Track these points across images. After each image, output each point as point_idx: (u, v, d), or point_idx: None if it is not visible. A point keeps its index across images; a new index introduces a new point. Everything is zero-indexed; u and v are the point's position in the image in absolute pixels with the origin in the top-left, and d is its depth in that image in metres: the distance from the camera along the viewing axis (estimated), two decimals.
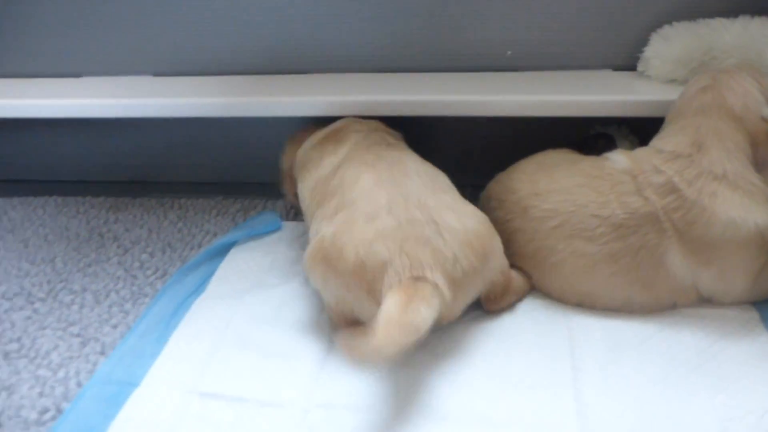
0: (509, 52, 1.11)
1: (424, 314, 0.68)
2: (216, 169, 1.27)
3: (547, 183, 0.88)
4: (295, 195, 1.00)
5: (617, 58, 1.08)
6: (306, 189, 0.93)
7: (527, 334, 0.81)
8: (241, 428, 0.72)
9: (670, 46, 1.00)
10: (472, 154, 1.21)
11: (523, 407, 0.72)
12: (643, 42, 1.04)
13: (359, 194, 0.81)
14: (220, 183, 1.26)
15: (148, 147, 1.28)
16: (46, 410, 0.78)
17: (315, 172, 0.92)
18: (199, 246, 1.08)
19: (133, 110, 1.17)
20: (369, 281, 0.74)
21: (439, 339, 0.80)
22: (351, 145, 0.92)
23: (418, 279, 0.72)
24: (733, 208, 0.78)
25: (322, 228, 0.81)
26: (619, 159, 0.86)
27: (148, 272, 1.02)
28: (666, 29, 1.02)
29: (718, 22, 0.98)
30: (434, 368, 0.77)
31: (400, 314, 0.68)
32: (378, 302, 0.71)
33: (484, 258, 0.79)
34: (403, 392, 0.74)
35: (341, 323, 0.80)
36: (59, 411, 0.77)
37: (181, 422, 0.73)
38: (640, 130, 1.04)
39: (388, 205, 0.78)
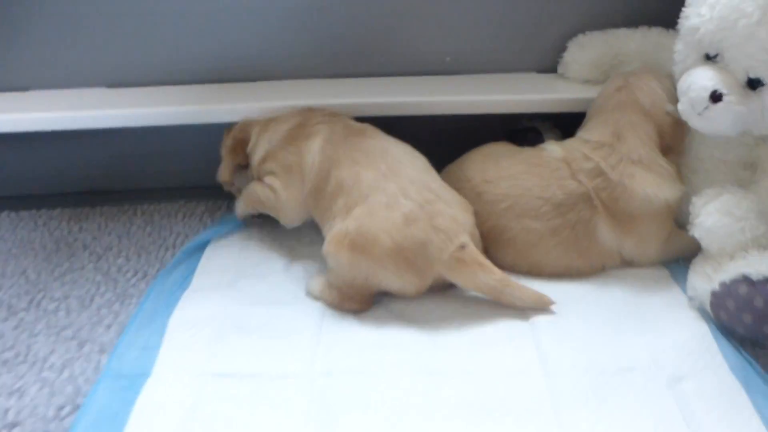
0: (448, 58, 1.25)
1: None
2: (176, 174, 1.32)
3: (496, 171, 1.03)
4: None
5: (540, 63, 1.25)
6: (286, 187, 1.02)
7: (490, 302, 0.95)
8: (257, 400, 0.80)
9: (585, 52, 1.18)
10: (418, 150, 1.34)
11: (495, 359, 0.85)
12: (562, 48, 1.22)
13: (368, 189, 0.92)
14: (181, 188, 1.31)
15: (104, 157, 1.31)
16: (62, 407, 0.82)
17: (297, 172, 1.01)
18: (173, 247, 1.14)
19: (85, 122, 1.20)
20: (410, 260, 0.89)
21: (417, 308, 0.93)
22: (322, 140, 1.00)
23: (463, 246, 0.88)
24: (648, 185, 0.96)
25: (336, 224, 0.92)
26: (554, 149, 1.03)
27: (128, 275, 1.07)
28: (580, 38, 1.19)
29: (623, 32, 1.17)
30: (416, 332, 0.90)
31: (499, 277, 0.90)
32: (422, 275, 0.90)
33: (473, 217, 0.96)
34: (392, 354, 0.86)
35: (356, 297, 0.91)
36: (75, 406, 0.82)
37: (200, 401, 0.80)
38: (562, 123, 1.22)
39: (400, 192, 0.90)
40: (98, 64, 1.23)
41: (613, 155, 0.97)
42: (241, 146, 1.09)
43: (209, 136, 1.26)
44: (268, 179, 1.04)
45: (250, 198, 1.08)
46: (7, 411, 0.82)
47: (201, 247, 1.10)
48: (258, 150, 1.06)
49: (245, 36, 1.20)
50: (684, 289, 0.95)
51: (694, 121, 0.94)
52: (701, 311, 0.91)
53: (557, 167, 0.99)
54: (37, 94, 1.25)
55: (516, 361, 0.85)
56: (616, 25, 1.19)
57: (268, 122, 1.08)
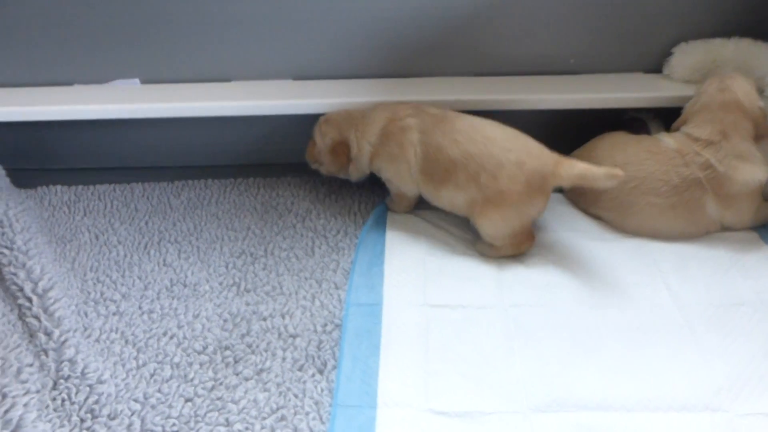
0: (572, 60, 1.53)
1: None
2: None
3: (623, 157, 1.31)
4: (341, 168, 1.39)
5: (647, 64, 1.52)
6: (398, 172, 1.32)
7: (623, 254, 1.26)
8: (467, 324, 1.12)
9: (688, 57, 1.45)
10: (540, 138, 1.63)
11: (638, 296, 1.16)
12: (665, 53, 1.49)
13: (480, 159, 1.22)
14: None
15: (292, 135, 1.58)
16: (325, 325, 1.14)
17: (403, 161, 1.30)
18: (359, 212, 1.43)
19: (273, 109, 1.48)
20: (535, 186, 1.22)
21: (571, 260, 1.24)
22: (418, 131, 1.28)
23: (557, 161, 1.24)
24: (747, 174, 1.24)
25: (468, 195, 1.24)
26: (668, 141, 1.31)
27: (333, 232, 1.37)
28: (683, 45, 1.46)
29: (719, 41, 1.44)
30: (573, 277, 1.20)
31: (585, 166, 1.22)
32: (546, 191, 1.23)
33: None
34: (559, 293, 1.17)
35: (521, 236, 1.25)
36: (335, 325, 1.14)
37: (421, 324, 1.11)
38: (664, 115, 1.50)
39: (501, 150, 1.22)
40: (286, 60, 1.52)
41: (720, 152, 1.25)
42: (343, 150, 1.36)
43: None
44: (382, 175, 1.36)
45: (394, 201, 1.40)
46: (286, 327, 1.14)
47: (382, 214, 1.41)
48: (363, 153, 1.34)
49: (404, 37, 1.48)
50: None
51: None
52: None
53: (673, 156, 1.27)
54: (237, 84, 1.54)
55: (653, 297, 1.16)
56: (713, 35, 1.46)
57: (359, 125, 1.34)
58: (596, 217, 1.36)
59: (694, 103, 1.35)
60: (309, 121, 1.47)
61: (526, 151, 1.23)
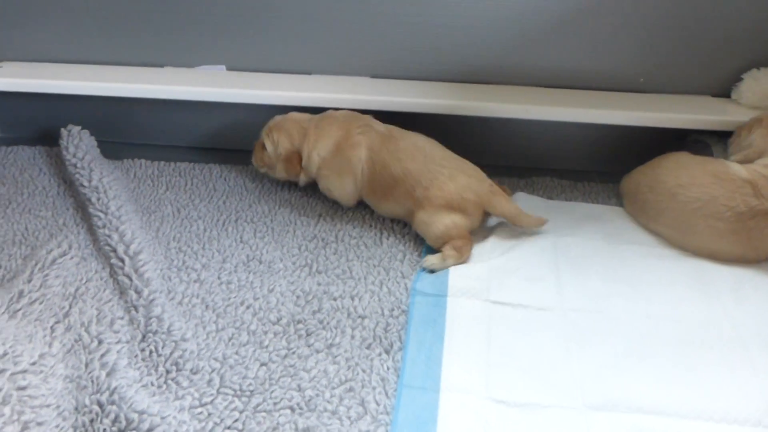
0: (642, 79, 1.57)
1: None
2: None
3: (688, 178, 1.35)
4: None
5: (715, 88, 1.56)
6: (343, 186, 1.42)
7: (681, 270, 1.30)
8: (527, 323, 1.17)
9: (758, 84, 1.48)
10: (604, 153, 1.68)
11: (694, 312, 1.20)
12: (733, 78, 1.52)
13: (419, 174, 1.32)
14: None
15: None
16: (392, 309, 1.21)
17: (349, 176, 1.40)
18: None
19: (349, 103, 1.56)
20: (473, 201, 1.32)
21: (627, 270, 1.28)
22: (366, 149, 1.38)
23: (491, 185, 1.37)
24: None
25: (409, 204, 1.35)
26: (738, 169, 1.33)
27: (401, 224, 1.44)
28: (754, 71, 1.49)
29: None
30: (629, 288, 1.25)
31: (515, 207, 1.35)
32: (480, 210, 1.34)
33: None
34: (616, 301, 1.22)
35: (462, 240, 1.31)
36: (401, 311, 1.21)
37: (483, 319, 1.17)
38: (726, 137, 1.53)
39: (444, 167, 1.33)
40: (365, 58, 1.60)
41: None
42: (298, 160, 1.45)
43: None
44: (324, 182, 1.45)
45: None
46: (355, 308, 1.22)
47: None
48: (312, 163, 1.43)
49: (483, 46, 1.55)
50: None
51: None
52: None
53: (742, 185, 1.29)
54: (317, 77, 1.63)
55: (708, 313, 1.20)
56: None
57: (310, 135, 1.43)
58: (656, 234, 1.40)
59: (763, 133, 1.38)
60: (383, 117, 1.54)
61: (460, 169, 1.34)
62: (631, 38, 1.50)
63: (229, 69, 1.65)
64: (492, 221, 1.43)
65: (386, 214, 1.44)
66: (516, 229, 1.38)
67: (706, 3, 1.44)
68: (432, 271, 1.29)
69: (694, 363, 1.10)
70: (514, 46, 1.53)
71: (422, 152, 1.35)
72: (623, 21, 1.48)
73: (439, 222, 1.30)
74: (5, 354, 1.02)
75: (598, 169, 1.67)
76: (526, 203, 1.45)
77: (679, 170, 1.38)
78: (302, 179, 1.50)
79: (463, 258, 1.30)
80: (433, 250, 1.35)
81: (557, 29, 1.50)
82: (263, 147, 1.50)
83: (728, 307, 1.21)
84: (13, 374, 1.00)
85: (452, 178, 1.31)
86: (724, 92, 1.56)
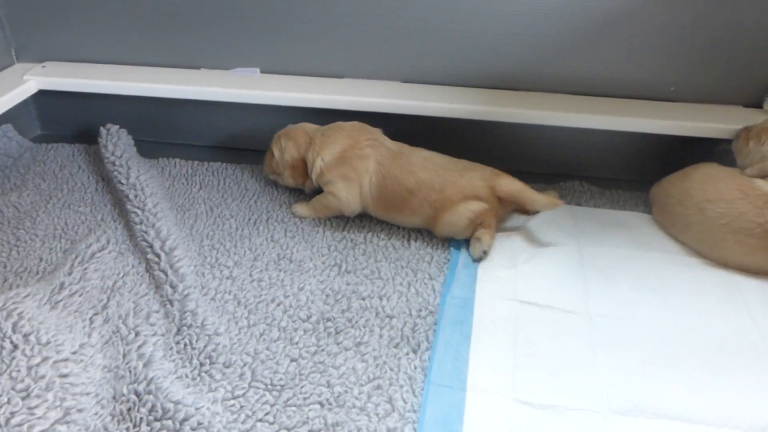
0: (672, 88, 1.57)
1: None
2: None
3: (716, 193, 1.34)
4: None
5: (747, 98, 1.56)
6: (350, 193, 1.43)
7: (709, 280, 1.30)
8: (553, 325, 1.18)
9: None
10: (633, 160, 1.68)
11: (721, 321, 1.20)
12: (765, 88, 1.52)
13: (432, 183, 1.38)
14: None
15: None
16: (420, 310, 1.23)
17: (356, 184, 1.42)
18: None
19: (381, 106, 1.59)
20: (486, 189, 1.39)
21: (656, 280, 1.29)
22: (375, 162, 1.41)
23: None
24: None
25: (427, 212, 1.39)
26: (763, 185, 1.32)
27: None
28: None
29: None
30: (658, 297, 1.25)
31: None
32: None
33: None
34: (644, 309, 1.22)
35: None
36: (429, 311, 1.23)
37: (510, 319, 1.19)
38: None
39: (457, 177, 1.39)
40: (396, 63, 1.62)
41: None
42: (304, 168, 1.49)
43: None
44: (329, 188, 1.44)
45: (318, 206, 1.48)
46: (383, 307, 1.24)
47: None
48: (316, 168, 1.45)
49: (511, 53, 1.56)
50: None
51: None
52: None
53: None
54: (349, 81, 1.66)
55: (737, 324, 1.19)
56: None
57: (315, 143, 1.46)
58: (685, 245, 1.40)
59: None
60: (414, 121, 1.57)
61: (466, 168, 1.40)
62: (662, 47, 1.51)
63: (263, 72, 1.69)
64: (516, 222, 1.44)
65: (400, 224, 1.46)
66: (542, 235, 1.40)
67: (737, 12, 1.44)
68: (479, 259, 1.35)
69: (721, 371, 1.11)
70: (546, 54, 1.55)
71: (432, 162, 1.40)
72: (655, 30, 1.48)
73: (462, 213, 1.35)
74: (48, 342, 1.06)
75: (627, 176, 1.68)
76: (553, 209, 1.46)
77: (707, 184, 1.38)
78: (308, 186, 1.53)
79: (492, 231, 1.37)
80: (459, 245, 1.38)
81: (588, 37, 1.51)
82: (273, 154, 1.53)
83: (757, 318, 1.21)
84: (55, 362, 1.04)
85: (461, 175, 1.38)
86: (755, 102, 1.56)
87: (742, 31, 1.47)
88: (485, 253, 1.34)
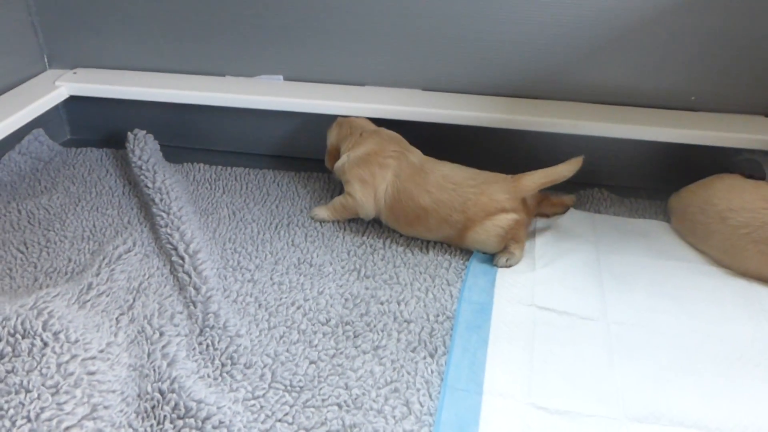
0: (693, 98, 1.57)
1: None
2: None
3: (739, 202, 1.34)
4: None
5: None
6: (365, 194, 1.44)
7: (728, 289, 1.29)
8: (570, 332, 1.19)
9: None
10: (653, 169, 1.68)
11: (739, 328, 1.20)
12: None
13: (450, 202, 1.37)
14: None
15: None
16: (437, 315, 1.25)
17: (371, 188, 1.44)
18: None
19: (402, 114, 1.61)
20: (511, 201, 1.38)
21: (674, 288, 1.29)
22: (393, 174, 1.42)
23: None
24: None
25: (430, 235, 1.44)
26: None
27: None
28: None
29: None
30: (675, 305, 1.25)
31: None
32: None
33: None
34: (661, 316, 1.22)
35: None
36: (446, 317, 1.24)
37: (527, 324, 1.20)
38: None
39: (470, 186, 1.38)
40: (417, 71, 1.65)
41: None
42: (336, 154, 1.53)
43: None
44: (347, 187, 1.46)
45: (337, 206, 1.49)
46: (401, 312, 1.26)
47: None
48: (341, 162, 1.48)
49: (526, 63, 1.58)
50: None
51: None
52: None
53: None
54: (371, 89, 1.68)
55: (755, 333, 1.19)
56: None
57: (352, 142, 1.49)
58: (704, 254, 1.40)
59: None
60: (435, 129, 1.59)
61: (485, 182, 1.38)
62: (683, 56, 1.51)
63: (286, 79, 1.72)
64: (535, 226, 1.45)
65: (414, 237, 1.47)
66: (560, 241, 1.41)
67: (759, 22, 1.44)
68: (501, 266, 1.37)
69: (738, 379, 1.10)
70: (566, 63, 1.56)
71: (451, 180, 1.39)
72: (676, 39, 1.49)
73: (491, 230, 1.35)
74: (77, 341, 1.10)
75: (646, 185, 1.68)
76: (572, 216, 1.47)
77: (730, 193, 1.38)
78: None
79: (523, 244, 1.38)
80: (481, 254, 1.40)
81: (609, 46, 1.52)
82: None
83: None
84: (84, 360, 1.07)
85: (482, 192, 1.36)
86: None
87: (763, 41, 1.46)
88: (510, 266, 1.36)
